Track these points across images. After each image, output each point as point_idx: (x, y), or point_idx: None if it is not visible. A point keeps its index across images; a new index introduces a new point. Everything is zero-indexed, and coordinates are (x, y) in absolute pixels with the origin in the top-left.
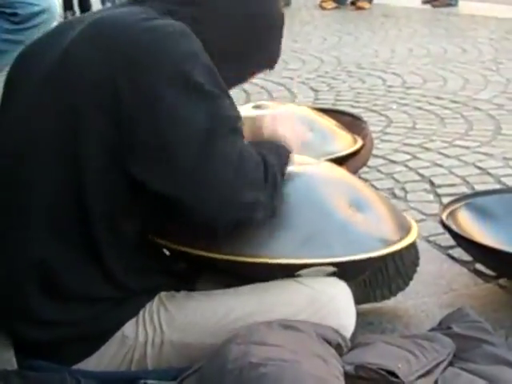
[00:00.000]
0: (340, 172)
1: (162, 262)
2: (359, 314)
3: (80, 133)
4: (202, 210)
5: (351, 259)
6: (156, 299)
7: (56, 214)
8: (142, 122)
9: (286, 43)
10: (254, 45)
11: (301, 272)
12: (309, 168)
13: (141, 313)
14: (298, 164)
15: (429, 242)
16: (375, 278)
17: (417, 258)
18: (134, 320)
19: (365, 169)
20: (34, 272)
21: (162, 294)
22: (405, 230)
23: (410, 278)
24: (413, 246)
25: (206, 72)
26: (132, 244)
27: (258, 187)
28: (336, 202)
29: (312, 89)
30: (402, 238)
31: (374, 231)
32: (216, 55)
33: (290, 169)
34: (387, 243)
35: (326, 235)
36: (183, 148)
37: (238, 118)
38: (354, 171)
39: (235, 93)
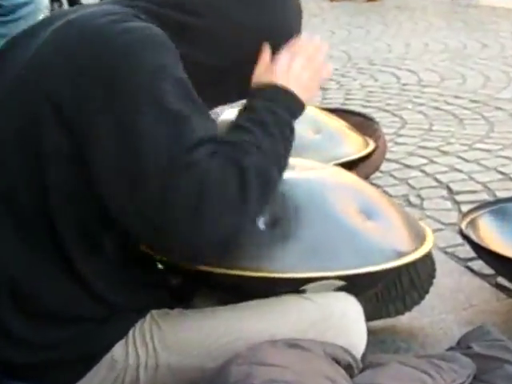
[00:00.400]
0: (348, 177)
1: (154, 277)
2: (371, 332)
3: (40, 142)
4: (167, 244)
5: (362, 272)
6: (148, 317)
7: (23, 223)
8: (100, 135)
9: None
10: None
11: (306, 287)
12: (314, 173)
13: (130, 333)
14: (303, 169)
15: (446, 253)
16: (388, 291)
17: (433, 269)
18: (123, 341)
19: (377, 174)
20: (5, 289)
21: (155, 311)
22: (420, 238)
23: (426, 291)
24: (428, 257)
25: (176, 86)
26: (113, 257)
27: (231, 214)
28: (344, 209)
29: (320, 87)
30: (416, 248)
31: (386, 240)
32: (214, 71)
33: (293, 174)
34: (401, 253)
35: (334, 245)
36: (141, 175)
37: (209, 138)
38: (366, 177)
39: None
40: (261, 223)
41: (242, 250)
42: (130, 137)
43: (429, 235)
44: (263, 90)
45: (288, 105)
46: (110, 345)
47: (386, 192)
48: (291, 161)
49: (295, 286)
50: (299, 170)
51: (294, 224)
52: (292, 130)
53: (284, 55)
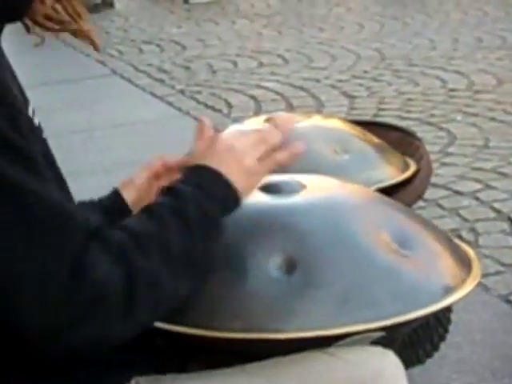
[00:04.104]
0: (373, 196)
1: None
2: None
3: None
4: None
5: (407, 319)
6: None
7: None
8: None
9: (309, 32)
10: None
11: (338, 344)
12: (331, 194)
13: None
14: (316, 189)
15: (509, 302)
16: (415, 333)
17: None
18: None
19: (420, 203)
20: None
21: (140, 378)
22: (465, 265)
23: (449, 322)
24: None
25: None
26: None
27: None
28: (375, 240)
29: (345, 94)
30: (465, 278)
31: (430, 275)
32: None
33: (304, 197)
34: (449, 289)
35: (369, 289)
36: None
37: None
38: (406, 206)
39: (242, 101)
40: (272, 269)
41: (253, 308)
42: None
43: (473, 257)
44: (197, 173)
45: (222, 198)
46: None
47: None
48: (301, 179)
49: (325, 345)
50: (312, 191)
51: (315, 266)
52: (219, 229)
53: (230, 134)
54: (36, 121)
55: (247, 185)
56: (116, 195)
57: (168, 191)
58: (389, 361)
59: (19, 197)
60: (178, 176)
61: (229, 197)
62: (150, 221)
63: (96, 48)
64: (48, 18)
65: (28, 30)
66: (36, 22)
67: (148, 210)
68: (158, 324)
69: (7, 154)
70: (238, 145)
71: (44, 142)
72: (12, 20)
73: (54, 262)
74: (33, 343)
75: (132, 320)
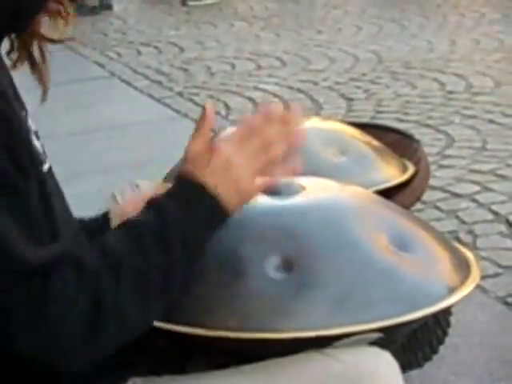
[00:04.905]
0: (372, 198)
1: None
2: None
3: None
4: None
5: (404, 320)
6: None
7: None
8: None
9: (307, 34)
10: None
11: (335, 344)
12: (330, 195)
13: None
14: (315, 190)
15: (507, 304)
16: (414, 336)
17: None
18: None
19: (418, 205)
20: None
21: (137, 379)
22: (464, 266)
23: (449, 325)
24: None
25: None
26: None
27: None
28: (374, 241)
29: (344, 96)
30: (464, 280)
31: (429, 276)
32: None
33: (303, 198)
34: (448, 290)
35: (367, 290)
36: None
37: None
38: (405, 208)
39: (240, 103)
40: (269, 269)
41: (250, 307)
42: None
43: (472, 260)
44: (185, 187)
45: (208, 219)
46: None
47: None
48: (300, 181)
49: (322, 346)
50: (311, 193)
51: (313, 266)
52: (202, 252)
53: (230, 143)
54: (38, 144)
55: (238, 203)
56: (104, 219)
57: (153, 205)
58: (385, 361)
59: None
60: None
61: (215, 218)
62: (130, 242)
63: (43, 97)
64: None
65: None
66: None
67: (130, 228)
68: (156, 324)
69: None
70: (237, 160)
71: (42, 173)
72: (14, 31)
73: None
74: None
75: (93, 345)
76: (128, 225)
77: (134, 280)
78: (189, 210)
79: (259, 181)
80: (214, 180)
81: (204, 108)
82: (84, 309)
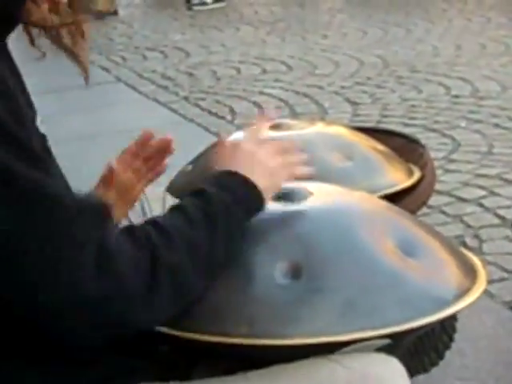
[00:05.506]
0: (378, 203)
1: (135, 342)
2: None
3: None
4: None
5: (412, 326)
6: None
7: None
8: None
9: (312, 39)
10: None
11: (343, 350)
12: (336, 200)
13: None
14: (322, 196)
15: None
16: (420, 342)
17: None
18: None
19: (424, 210)
20: None
21: None
22: (470, 272)
23: (454, 331)
24: None
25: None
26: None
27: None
28: (381, 246)
29: (349, 101)
30: (472, 285)
31: (436, 281)
32: None
33: (310, 204)
34: (456, 296)
35: (375, 296)
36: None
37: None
38: (410, 213)
39: (245, 108)
40: (278, 275)
41: (258, 313)
42: None
43: (479, 265)
44: (222, 177)
45: (247, 200)
46: None
47: None
48: (307, 186)
49: (329, 352)
50: (318, 198)
51: (320, 272)
52: (242, 232)
53: (249, 142)
54: (42, 130)
55: (270, 185)
56: None
57: (195, 193)
58: (392, 368)
59: (33, 193)
60: (152, 146)
61: (254, 200)
62: (179, 217)
63: (85, 79)
64: (44, 22)
65: (32, 42)
66: (33, 24)
67: (176, 208)
68: (163, 329)
69: (11, 148)
70: (260, 151)
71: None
72: (7, 23)
73: (75, 251)
74: (57, 321)
75: (152, 307)
76: (174, 207)
77: (187, 248)
78: (230, 193)
79: (284, 173)
80: (247, 170)
81: (219, 137)
82: (144, 269)
